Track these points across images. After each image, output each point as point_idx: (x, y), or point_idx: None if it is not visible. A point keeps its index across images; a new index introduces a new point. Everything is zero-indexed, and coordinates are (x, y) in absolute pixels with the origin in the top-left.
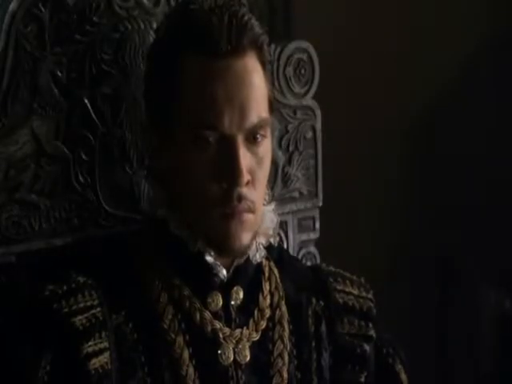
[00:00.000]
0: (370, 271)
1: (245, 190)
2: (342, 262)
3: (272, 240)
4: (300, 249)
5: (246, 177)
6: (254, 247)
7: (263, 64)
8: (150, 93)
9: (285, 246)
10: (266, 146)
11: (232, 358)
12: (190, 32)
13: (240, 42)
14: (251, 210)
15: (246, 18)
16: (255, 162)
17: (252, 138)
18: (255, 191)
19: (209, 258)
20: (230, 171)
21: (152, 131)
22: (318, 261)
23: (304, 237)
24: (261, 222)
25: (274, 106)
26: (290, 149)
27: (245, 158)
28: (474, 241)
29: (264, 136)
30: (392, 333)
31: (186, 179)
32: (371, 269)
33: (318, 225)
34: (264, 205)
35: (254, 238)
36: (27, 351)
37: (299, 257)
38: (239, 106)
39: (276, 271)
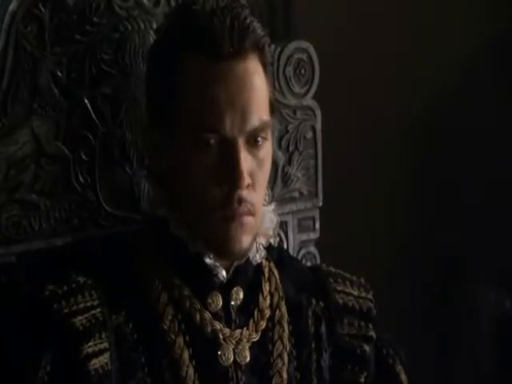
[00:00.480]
0: (370, 271)
1: (245, 193)
2: (341, 262)
3: (272, 240)
4: (300, 249)
5: (246, 180)
6: (254, 248)
7: (264, 66)
8: (151, 92)
9: (285, 246)
10: (266, 149)
11: (232, 359)
12: (192, 33)
13: (242, 45)
14: (251, 213)
15: (248, 20)
16: (256, 165)
17: (253, 141)
18: (255, 194)
19: (208, 260)
20: (230, 174)
21: (152, 131)
22: (318, 261)
23: (304, 237)
24: (261, 224)
25: (274, 107)
26: (290, 149)
27: (245, 160)
28: (474, 241)
29: (265, 138)
30: (392, 333)
31: (186, 180)
32: (371, 269)
33: (317, 225)
34: (264, 205)
35: (254, 239)
36: (27, 351)
37: (299, 257)
38: (241, 108)
39: (276, 272)
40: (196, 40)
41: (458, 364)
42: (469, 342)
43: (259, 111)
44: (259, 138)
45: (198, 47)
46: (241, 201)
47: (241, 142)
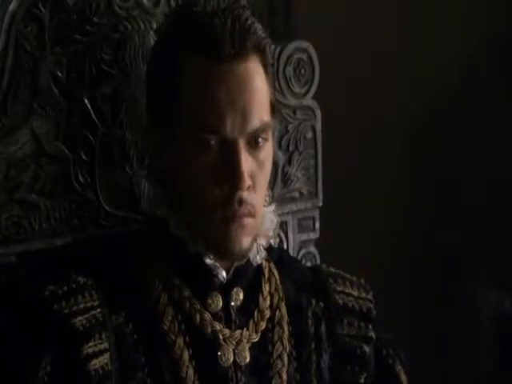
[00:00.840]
0: (370, 271)
1: (246, 194)
2: (341, 262)
3: (272, 241)
4: (300, 249)
5: (247, 181)
6: (254, 249)
7: (265, 67)
8: (151, 92)
9: (285, 246)
10: (267, 150)
11: (232, 360)
12: (192, 33)
13: (243, 46)
14: (252, 214)
15: (249, 21)
16: (256, 166)
17: (254, 142)
18: (256, 195)
19: (208, 260)
20: (231, 175)
21: (152, 131)
22: (318, 261)
23: (304, 237)
24: (261, 225)
25: (275, 108)
26: (290, 149)
27: (246, 162)
28: (474, 241)
29: (265, 140)
30: (392, 333)
31: (186, 180)
32: (371, 269)
33: (317, 225)
34: (264, 206)
35: (254, 240)
36: (27, 351)
37: (299, 257)
38: (241, 109)
39: (276, 272)
40: (197, 41)
41: (458, 364)
42: (469, 342)
43: (260, 112)
44: (260, 139)
45: (198, 48)
46: (241, 202)
47: (241, 143)
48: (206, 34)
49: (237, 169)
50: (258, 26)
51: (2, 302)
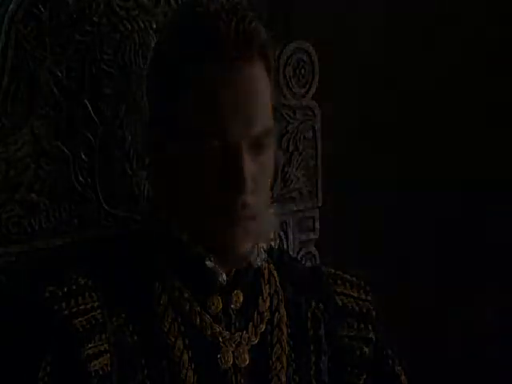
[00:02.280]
0: (370, 271)
1: (248, 198)
2: (341, 262)
3: (272, 243)
4: (300, 249)
5: (250, 185)
6: (255, 251)
7: (268, 70)
8: (153, 94)
9: (284, 246)
10: (269, 153)
11: (231, 362)
12: (196, 36)
13: (248, 49)
14: (254, 218)
15: (253, 24)
16: (259, 169)
17: (256, 146)
18: (258, 198)
19: (208, 263)
20: (234, 179)
21: (153, 132)
22: (318, 261)
23: (304, 237)
24: (262, 227)
25: (277, 111)
26: (290, 149)
27: (249, 165)
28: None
29: (268, 143)
30: (392, 333)
31: (187, 183)
32: (371, 269)
33: (317, 225)
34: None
35: (255, 243)
36: (27, 352)
37: (299, 257)
38: (245, 113)
39: (276, 274)
40: (200, 43)
41: (458, 365)
42: (469, 343)
43: (263, 116)
44: (262, 143)
45: (202, 50)
46: (244, 206)
47: (244, 147)
48: (210, 37)
49: (240, 172)
50: (262, 29)
51: (2, 302)
